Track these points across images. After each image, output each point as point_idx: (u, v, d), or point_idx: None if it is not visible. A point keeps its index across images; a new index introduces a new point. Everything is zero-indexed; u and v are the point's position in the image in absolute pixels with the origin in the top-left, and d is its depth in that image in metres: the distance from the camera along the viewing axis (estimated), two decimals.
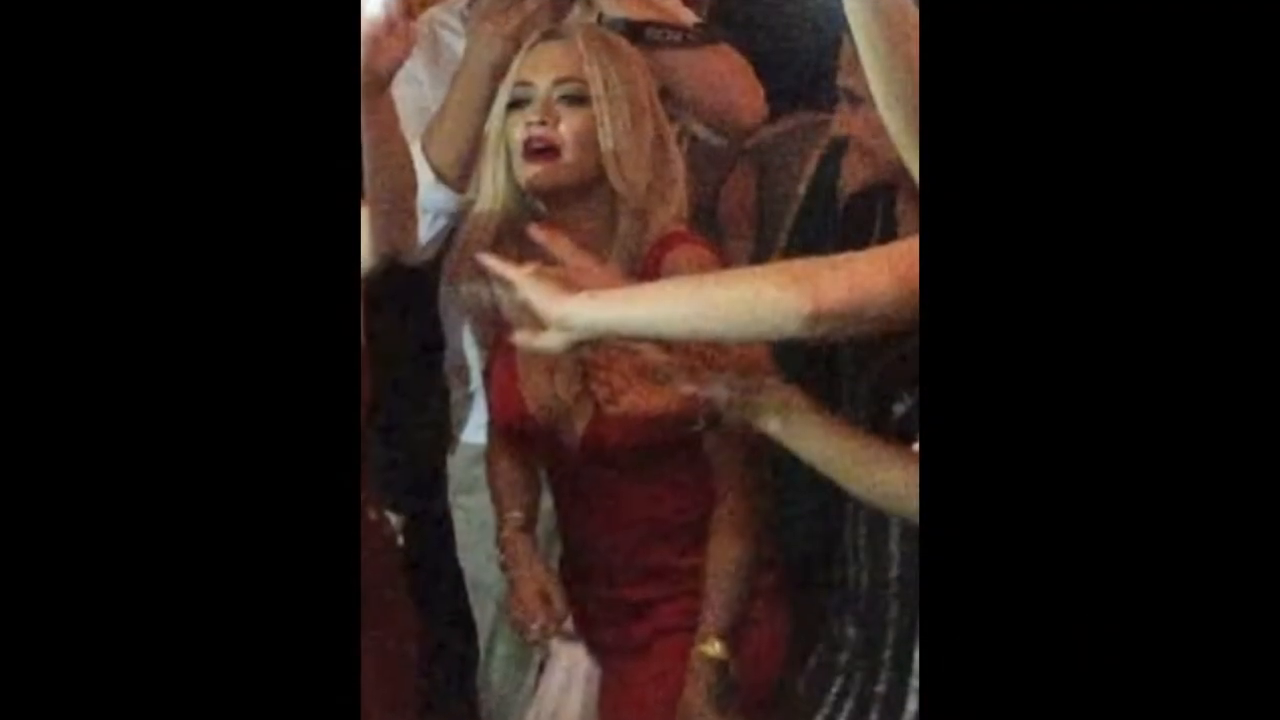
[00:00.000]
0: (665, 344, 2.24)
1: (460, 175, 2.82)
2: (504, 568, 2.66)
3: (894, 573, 2.33)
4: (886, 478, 2.14)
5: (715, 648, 2.52)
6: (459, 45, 2.94)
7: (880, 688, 2.32)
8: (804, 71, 3.01)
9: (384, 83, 2.35)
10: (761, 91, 3.00)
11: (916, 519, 1.82)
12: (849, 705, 2.35)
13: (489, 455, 2.77)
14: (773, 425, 2.20)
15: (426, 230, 2.82)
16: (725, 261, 2.67)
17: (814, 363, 2.41)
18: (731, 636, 2.53)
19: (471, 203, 2.73)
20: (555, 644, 2.63)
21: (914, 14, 1.81)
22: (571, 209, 2.60)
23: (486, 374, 2.78)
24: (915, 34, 1.79)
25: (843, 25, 1.93)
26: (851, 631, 2.37)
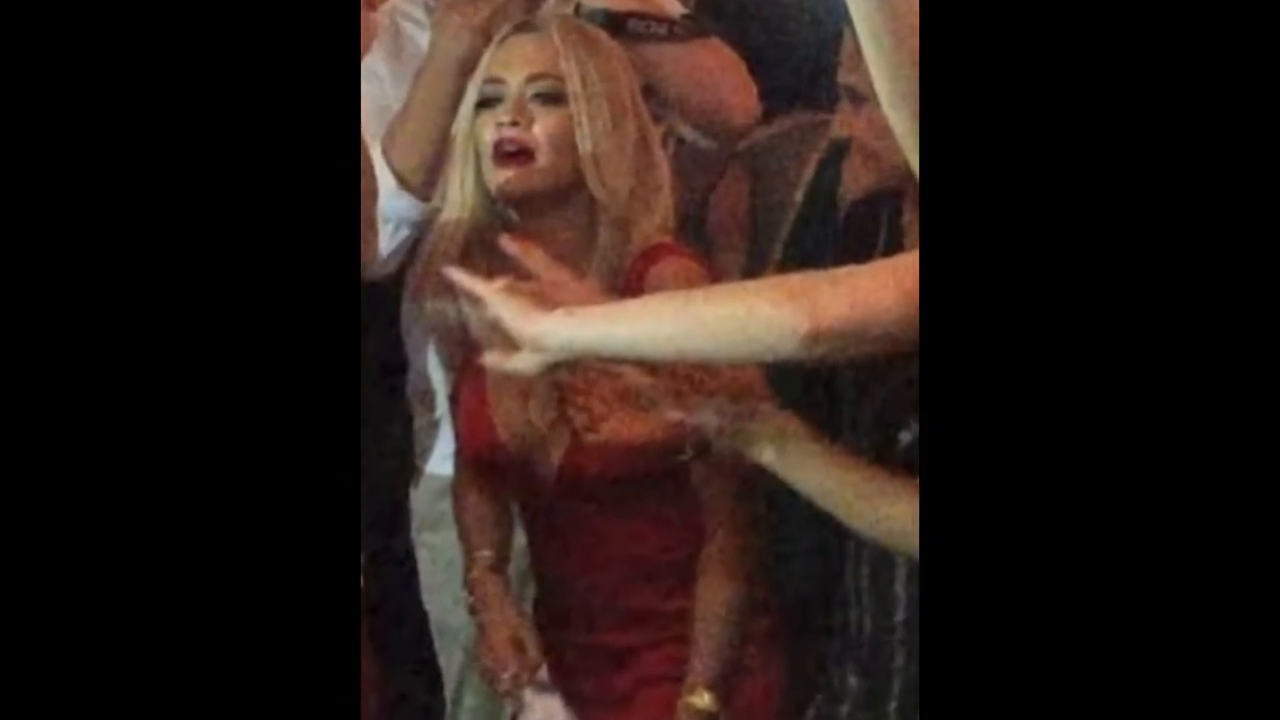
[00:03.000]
0: (649, 366, 2.24)
1: (425, 181, 2.83)
2: (473, 611, 2.66)
3: (899, 616, 2.33)
4: (891, 512, 2.14)
5: (704, 699, 2.52)
6: (423, 38, 2.95)
7: None
8: (801, 68, 3.02)
9: None
10: (755, 89, 3.01)
11: None
12: None
13: (456, 488, 2.78)
14: (767, 455, 2.21)
15: (388, 241, 2.83)
16: (715, 275, 2.69)
17: (812, 387, 2.41)
18: (722, 687, 2.53)
19: (437, 211, 2.74)
20: (529, 695, 2.63)
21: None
22: (547, 218, 2.61)
23: (453, 399, 2.78)
24: None
25: (844, 17, 1.94)
26: (853, 681, 2.38)
